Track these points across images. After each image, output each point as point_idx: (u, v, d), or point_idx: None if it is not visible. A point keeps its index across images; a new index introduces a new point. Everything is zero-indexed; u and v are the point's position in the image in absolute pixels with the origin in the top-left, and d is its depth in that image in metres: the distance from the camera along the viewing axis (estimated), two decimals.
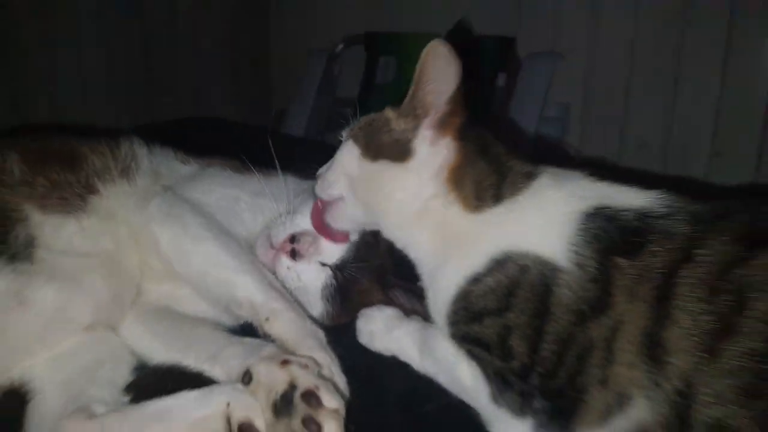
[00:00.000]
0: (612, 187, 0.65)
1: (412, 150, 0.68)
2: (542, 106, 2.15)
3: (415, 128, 0.69)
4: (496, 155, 0.69)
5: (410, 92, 0.70)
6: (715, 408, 0.53)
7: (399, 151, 0.69)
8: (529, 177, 0.67)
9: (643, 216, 0.61)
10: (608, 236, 0.60)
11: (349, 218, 0.74)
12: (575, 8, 2.20)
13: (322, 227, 0.76)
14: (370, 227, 0.76)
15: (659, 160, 2.14)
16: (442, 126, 0.68)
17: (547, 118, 2.22)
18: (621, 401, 0.56)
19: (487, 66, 2.27)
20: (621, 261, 0.58)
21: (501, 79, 2.25)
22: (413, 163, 0.68)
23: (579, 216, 0.62)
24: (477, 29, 2.28)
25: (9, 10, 2.00)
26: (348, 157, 0.72)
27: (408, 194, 0.70)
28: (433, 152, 0.68)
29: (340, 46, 2.56)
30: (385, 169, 0.70)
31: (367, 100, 2.43)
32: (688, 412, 0.54)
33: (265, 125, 2.71)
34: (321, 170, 0.76)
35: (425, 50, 0.68)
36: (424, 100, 0.69)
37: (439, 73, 0.68)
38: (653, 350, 0.55)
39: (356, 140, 0.72)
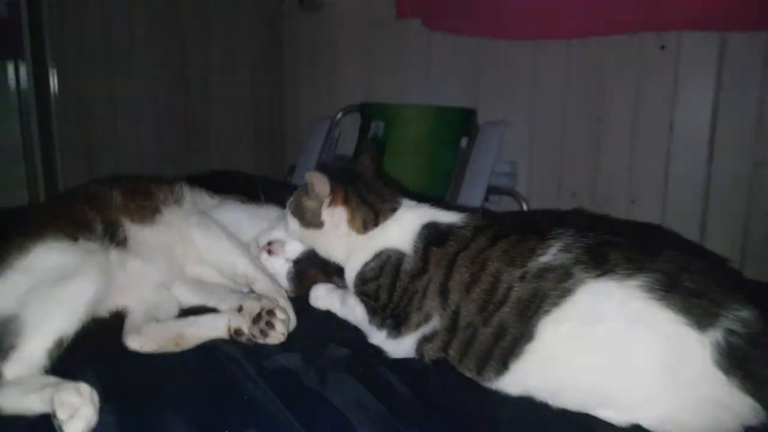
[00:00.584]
0: (440, 212, 1.08)
1: (322, 221, 1.09)
2: (494, 163, 2.47)
3: (319, 208, 1.08)
4: (371, 202, 1.09)
5: (309, 190, 1.08)
6: (467, 317, 0.94)
7: (316, 223, 1.09)
8: (393, 210, 1.08)
9: (449, 226, 1.04)
10: (430, 236, 1.03)
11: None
12: (519, 89, 2.55)
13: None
14: None
15: (588, 206, 2.35)
16: (332, 203, 1.08)
17: (500, 173, 2.55)
18: (426, 318, 0.99)
19: (452, 130, 2.58)
20: (434, 249, 1.01)
21: (463, 142, 2.55)
22: (326, 228, 1.09)
23: (418, 227, 1.05)
24: (448, 102, 2.62)
25: (82, 77, 2.38)
26: (293, 225, 1.13)
27: (327, 240, 1.11)
28: (333, 217, 1.08)
29: (340, 114, 2.89)
30: (313, 233, 1.11)
31: (360, 155, 2.86)
32: (456, 321, 0.95)
33: (276, 176, 3.05)
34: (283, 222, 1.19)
35: (309, 175, 1.06)
36: (318, 195, 1.08)
37: (320, 185, 1.06)
38: (443, 292, 0.97)
39: (294, 215, 1.13)
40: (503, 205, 2.65)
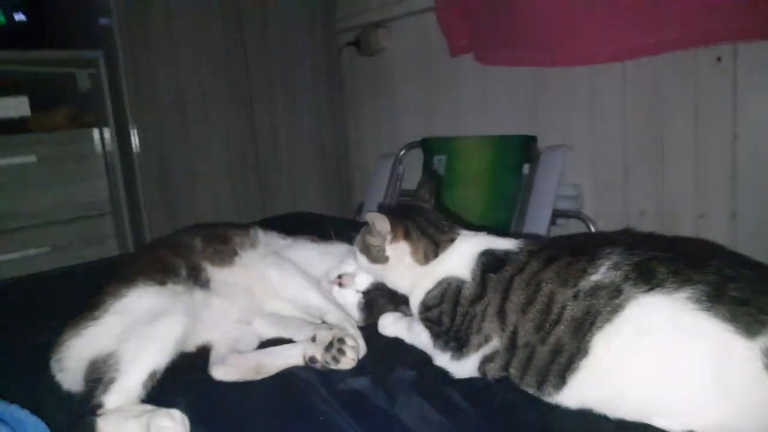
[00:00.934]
0: (495, 239, 1.14)
1: (387, 257, 1.18)
2: (558, 187, 2.50)
3: (382, 244, 1.18)
4: (431, 234, 1.17)
5: (371, 229, 1.18)
6: (525, 337, 0.99)
7: (381, 259, 1.18)
8: (452, 241, 1.16)
9: (505, 252, 1.10)
10: (487, 263, 1.09)
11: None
12: (578, 112, 2.55)
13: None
14: None
15: (657, 223, 2.41)
16: (394, 239, 1.17)
17: (565, 197, 2.56)
18: (486, 339, 1.04)
19: (514, 158, 2.63)
20: (491, 274, 1.08)
21: (526, 168, 2.59)
22: (391, 262, 1.18)
23: (475, 255, 1.11)
24: (507, 130, 2.69)
25: (160, 135, 2.57)
26: (362, 261, 1.22)
27: (394, 273, 1.19)
28: (397, 252, 1.17)
29: (402, 151, 2.99)
30: (380, 267, 1.20)
31: (419, 189, 2.94)
32: (515, 340, 1.01)
33: (345, 215, 3.18)
34: (354, 260, 1.27)
35: (370, 216, 1.15)
36: (380, 233, 1.17)
37: (380, 224, 1.15)
38: (501, 314, 1.03)
39: (362, 252, 1.22)
40: (571, 228, 2.65)
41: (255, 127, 2.89)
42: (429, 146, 2.90)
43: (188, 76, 2.66)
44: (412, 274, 1.18)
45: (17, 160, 2.25)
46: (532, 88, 2.70)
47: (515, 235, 1.20)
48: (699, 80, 2.29)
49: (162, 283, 1.19)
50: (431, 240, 1.17)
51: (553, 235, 2.59)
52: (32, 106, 2.26)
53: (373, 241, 1.20)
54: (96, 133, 2.50)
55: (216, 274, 1.31)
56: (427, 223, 1.20)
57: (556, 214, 2.55)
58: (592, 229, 2.52)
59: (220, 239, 1.39)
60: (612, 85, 2.48)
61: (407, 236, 1.18)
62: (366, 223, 1.22)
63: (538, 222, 2.50)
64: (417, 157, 2.96)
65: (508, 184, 2.67)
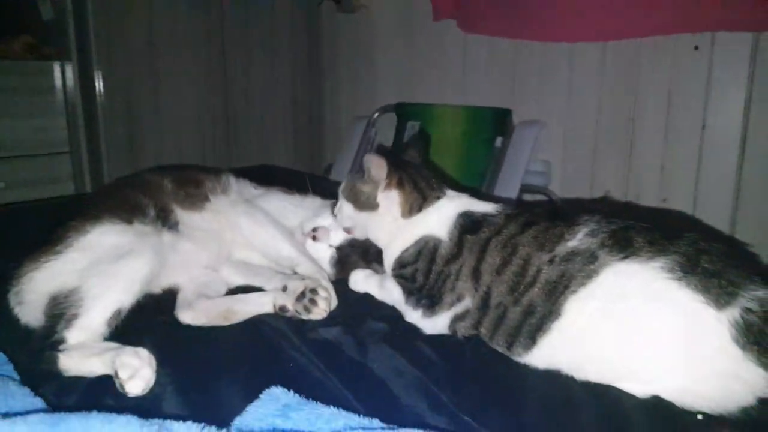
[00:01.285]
0: (476, 202, 1.15)
1: (377, 204, 1.16)
2: (528, 162, 2.50)
3: (375, 191, 1.16)
4: (421, 188, 1.16)
5: (366, 176, 1.16)
6: (498, 297, 1.00)
7: (371, 205, 1.17)
8: (437, 198, 1.16)
9: (483, 215, 1.10)
10: (465, 224, 1.09)
11: (358, 233, 1.24)
12: (555, 89, 2.58)
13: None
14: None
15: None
16: (388, 187, 1.15)
17: (534, 172, 2.58)
18: (459, 298, 1.05)
19: (487, 130, 2.64)
20: (468, 236, 1.08)
21: (499, 141, 2.60)
22: (380, 210, 1.16)
23: (455, 216, 1.11)
24: (483, 102, 2.70)
25: (128, 77, 2.50)
26: (346, 209, 1.20)
27: (378, 222, 1.18)
28: (388, 200, 1.16)
29: (376, 114, 2.95)
30: (367, 215, 1.18)
31: (408, 148, 2.92)
32: (488, 300, 1.01)
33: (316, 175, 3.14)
34: (335, 210, 1.25)
35: (367, 159, 1.14)
36: (374, 178, 1.15)
37: (378, 168, 1.14)
38: (475, 274, 1.04)
39: (348, 199, 1.20)
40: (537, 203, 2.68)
41: (227, 75, 2.82)
42: (404, 111, 2.88)
43: (162, 20, 2.56)
44: (394, 226, 1.17)
45: None
46: (512, 62, 2.70)
47: (496, 200, 1.20)
48: (675, 67, 2.34)
49: (129, 221, 1.15)
50: (420, 194, 1.17)
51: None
52: None
53: (364, 187, 1.17)
54: (57, 67, 2.38)
55: (185, 217, 1.27)
56: (418, 176, 1.19)
57: (524, 189, 2.57)
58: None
59: (192, 183, 1.35)
60: (591, 65, 2.50)
61: (400, 186, 1.16)
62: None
63: (506, 195, 2.52)
64: (391, 121, 2.93)
65: (479, 156, 2.67)
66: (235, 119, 2.90)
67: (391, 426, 0.65)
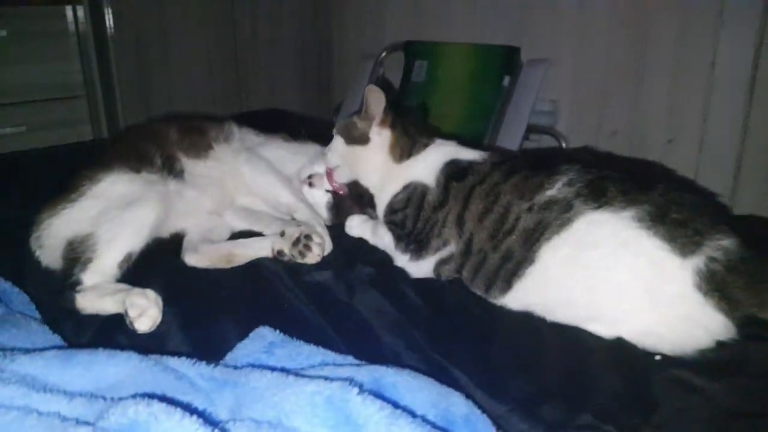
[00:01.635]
0: (463, 150, 1.19)
1: (369, 139, 1.21)
2: (535, 102, 2.50)
3: (369, 127, 1.20)
4: (411, 134, 1.22)
5: (363, 109, 1.19)
6: (479, 243, 1.07)
7: (363, 140, 1.21)
8: (426, 145, 1.21)
9: (470, 162, 1.15)
10: (452, 171, 1.14)
11: (343, 176, 1.29)
12: (565, 26, 2.53)
13: (332, 182, 1.34)
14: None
15: (626, 144, 2.44)
16: (381, 124, 1.20)
17: (541, 112, 2.57)
18: (444, 244, 1.11)
19: (495, 69, 2.60)
20: (454, 183, 1.13)
21: (506, 80, 2.56)
22: (370, 145, 1.21)
23: (442, 163, 1.16)
24: (492, 39, 2.66)
25: (137, 18, 2.55)
26: (338, 144, 1.25)
27: (367, 160, 1.23)
28: (379, 138, 1.21)
29: (384, 53, 2.94)
30: (357, 150, 1.22)
31: (405, 95, 2.77)
32: (470, 246, 1.08)
33: (322, 114, 3.16)
34: (326, 149, 1.30)
35: (368, 89, 1.18)
36: (372, 113, 1.19)
37: (376, 101, 1.19)
38: (460, 221, 1.10)
39: (341, 135, 1.24)
40: (544, 143, 2.70)
41: (235, 20, 2.82)
42: (411, 50, 2.86)
43: None
44: (383, 169, 1.22)
45: None
46: None
47: (484, 147, 1.25)
48: (687, 3, 2.28)
49: (137, 170, 1.22)
50: (410, 139, 1.22)
51: (525, 148, 2.63)
52: None
53: (359, 123, 1.22)
54: (69, 11, 2.41)
55: (190, 165, 1.34)
56: (410, 123, 1.25)
57: (531, 129, 2.58)
58: (564, 147, 2.56)
59: (196, 131, 1.41)
60: (602, 2, 2.45)
61: (393, 126, 1.22)
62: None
63: (512, 135, 2.54)
64: (399, 60, 2.92)
65: (487, 95, 2.67)
66: (244, 61, 2.92)
67: (361, 362, 0.73)
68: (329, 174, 1.34)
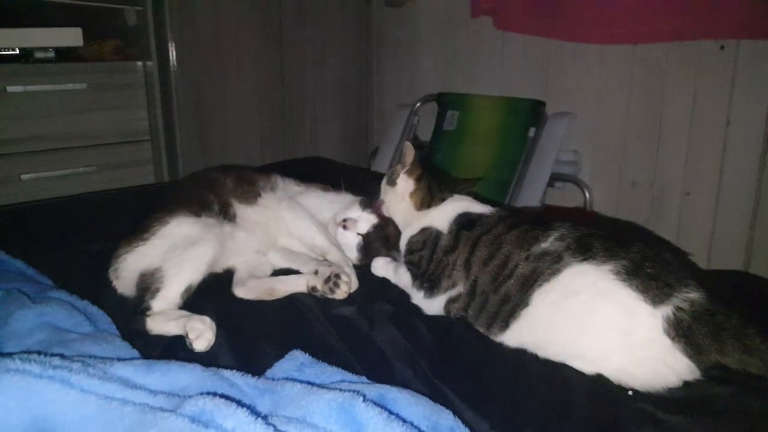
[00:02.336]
0: (475, 204, 1.38)
1: (396, 182, 1.45)
2: (559, 152, 2.69)
3: (399, 172, 1.45)
4: (432, 189, 1.41)
5: (402, 156, 1.46)
6: (482, 286, 1.23)
7: (393, 182, 1.46)
8: (443, 200, 1.40)
9: (479, 215, 1.34)
10: (462, 222, 1.33)
11: (385, 209, 1.52)
12: (586, 83, 2.72)
13: (380, 211, 1.55)
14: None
15: (647, 195, 2.62)
16: (409, 173, 1.44)
17: (564, 161, 2.76)
18: (453, 285, 1.28)
19: (523, 120, 2.80)
20: (464, 231, 1.32)
21: (532, 131, 2.76)
22: (396, 188, 1.45)
23: (455, 214, 1.36)
24: (519, 93, 2.86)
25: (198, 75, 2.81)
26: (383, 182, 1.50)
27: (394, 199, 1.46)
28: (405, 184, 1.43)
29: (418, 103, 3.17)
30: (389, 190, 1.47)
31: (436, 142, 3.01)
32: (475, 288, 1.25)
33: (360, 158, 3.39)
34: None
35: (407, 144, 1.45)
36: (403, 162, 1.45)
37: (408, 154, 1.45)
38: (467, 265, 1.27)
39: (386, 176, 1.49)
40: (567, 191, 2.85)
41: (284, 74, 3.09)
42: (444, 101, 3.08)
43: (227, 22, 2.87)
44: (406, 212, 1.44)
45: (70, 86, 2.50)
46: (546, 55, 2.86)
47: (493, 204, 1.43)
48: (702, 65, 2.44)
49: (198, 215, 1.44)
50: (430, 194, 1.43)
51: (549, 196, 2.79)
52: (84, 38, 2.48)
53: (397, 168, 1.48)
54: (140, 65, 2.72)
55: (241, 210, 1.55)
56: (437, 183, 1.44)
57: (554, 178, 2.75)
58: (587, 195, 2.72)
59: (247, 181, 1.63)
60: (621, 62, 2.65)
61: (418, 179, 1.44)
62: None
63: (537, 183, 2.70)
64: (432, 110, 3.13)
65: (514, 145, 2.85)
66: (291, 112, 3.16)
67: (372, 382, 0.92)
68: (379, 205, 1.56)
